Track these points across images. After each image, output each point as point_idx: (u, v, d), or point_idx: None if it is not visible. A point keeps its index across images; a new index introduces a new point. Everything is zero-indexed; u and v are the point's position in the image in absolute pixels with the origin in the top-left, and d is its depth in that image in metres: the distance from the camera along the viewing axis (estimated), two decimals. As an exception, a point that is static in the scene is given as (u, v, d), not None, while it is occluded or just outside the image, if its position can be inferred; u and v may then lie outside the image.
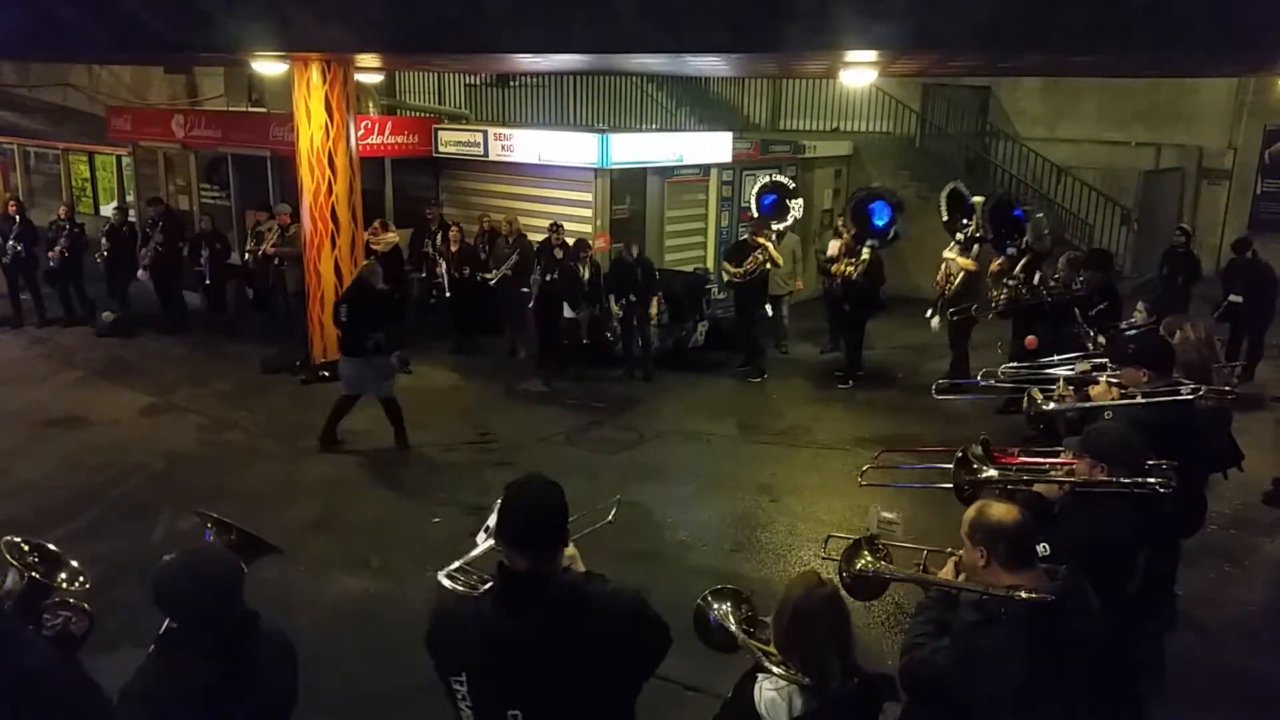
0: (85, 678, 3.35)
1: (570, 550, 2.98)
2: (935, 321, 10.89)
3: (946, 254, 10.75)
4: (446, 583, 3.29)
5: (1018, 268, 9.61)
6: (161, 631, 2.92)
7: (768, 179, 12.47)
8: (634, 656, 2.75)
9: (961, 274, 10.49)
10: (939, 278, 10.71)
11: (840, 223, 12.00)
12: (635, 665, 2.77)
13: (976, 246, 10.60)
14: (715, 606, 3.18)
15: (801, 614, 2.87)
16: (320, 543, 7.15)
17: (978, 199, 10.96)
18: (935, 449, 5.20)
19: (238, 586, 2.91)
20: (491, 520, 3.40)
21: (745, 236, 11.60)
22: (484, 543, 3.40)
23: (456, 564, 3.39)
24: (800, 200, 12.33)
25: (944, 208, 11.16)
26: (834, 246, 11.55)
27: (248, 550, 3.62)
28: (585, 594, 2.74)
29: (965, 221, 10.77)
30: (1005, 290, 9.38)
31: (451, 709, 2.72)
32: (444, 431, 9.63)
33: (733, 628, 3.11)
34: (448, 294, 12.10)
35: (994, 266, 10.08)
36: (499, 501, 2.77)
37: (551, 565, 2.70)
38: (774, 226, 11.71)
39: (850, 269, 10.84)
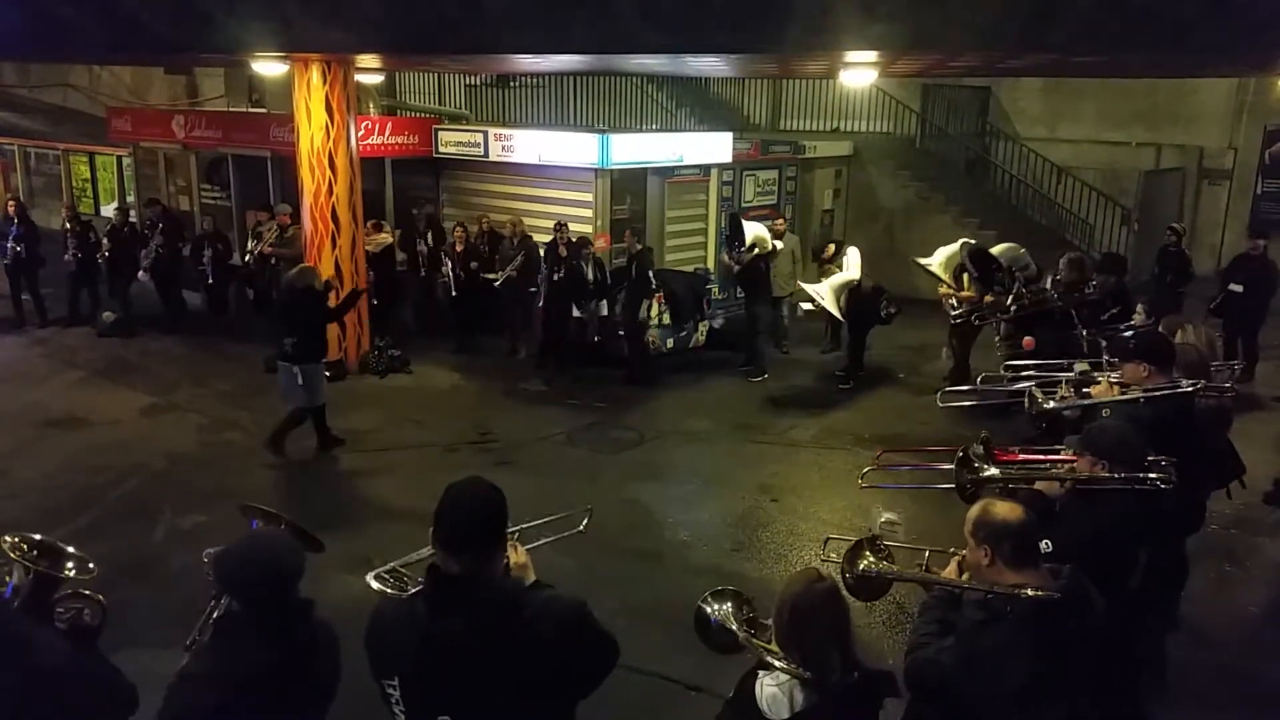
0: (105, 667, 3.35)
1: (521, 559, 2.97)
2: (945, 353, 10.83)
3: (944, 290, 10.60)
4: (375, 584, 3.25)
5: (1011, 302, 9.51)
6: (216, 616, 3.00)
7: (724, 218, 12.50)
8: (570, 667, 2.70)
9: (966, 303, 10.36)
10: (943, 290, 10.57)
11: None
12: (571, 676, 2.73)
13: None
14: (716, 607, 3.18)
15: (801, 609, 2.88)
16: (323, 542, 7.14)
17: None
18: (936, 449, 5.21)
19: (300, 570, 2.97)
20: None
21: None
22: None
23: (389, 565, 3.35)
24: (760, 233, 12.04)
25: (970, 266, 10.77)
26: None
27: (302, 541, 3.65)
28: (517, 599, 2.70)
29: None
30: (1010, 311, 9.36)
31: (386, 711, 2.72)
32: (444, 431, 9.64)
33: (734, 628, 3.11)
34: (454, 293, 12.09)
35: (989, 298, 10.04)
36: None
37: (484, 570, 2.65)
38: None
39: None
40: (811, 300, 11.26)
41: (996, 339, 9.63)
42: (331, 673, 3.06)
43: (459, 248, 12.04)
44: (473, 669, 2.58)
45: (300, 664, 2.87)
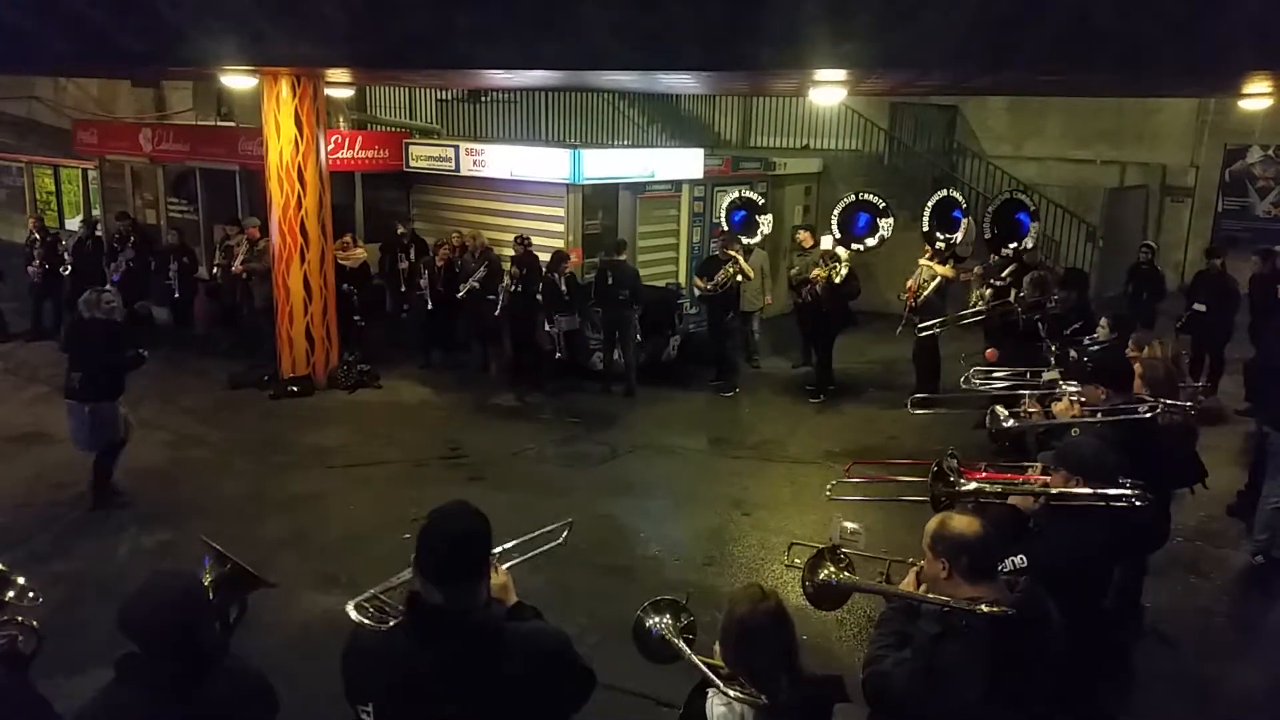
0: (33, 696, 3.30)
1: (502, 580, 2.93)
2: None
3: (923, 261, 10.80)
4: (354, 614, 3.12)
5: (1005, 271, 9.69)
6: (123, 656, 2.81)
7: (738, 194, 12.50)
8: (550, 699, 2.67)
9: (936, 281, 10.56)
10: (910, 284, 10.75)
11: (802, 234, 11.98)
12: (551, 708, 2.69)
13: (953, 260, 10.70)
14: (655, 620, 3.17)
15: (747, 631, 2.86)
16: (289, 560, 7.07)
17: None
18: (905, 461, 5.23)
19: (201, 618, 2.80)
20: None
21: (716, 251, 11.68)
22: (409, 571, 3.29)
23: (368, 593, 3.24)
24: (769, 216, 12.38)
25: (927, 216, 11.24)
26: (806, 239, 11.58)
27: (243, 584, 3.54)
28: (500, 631, 2.65)
29: (945, 236, 10.85)
30: (989, 289, 9.48)
31: None
32: (414, 447, 9.57)
33: (678, 643, 3.10)
34: (429, 308, 12.01)
35: (977, 269, 10.20)
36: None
37: (468, 599, 2.59)
38: (743, 241, 11.72)
39: (824, 274, 10.85)
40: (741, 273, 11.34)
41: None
42: None
43: (439, 263, 11.93)
44: (452, 700, 2.54)
45: (200, 715, 2.69)
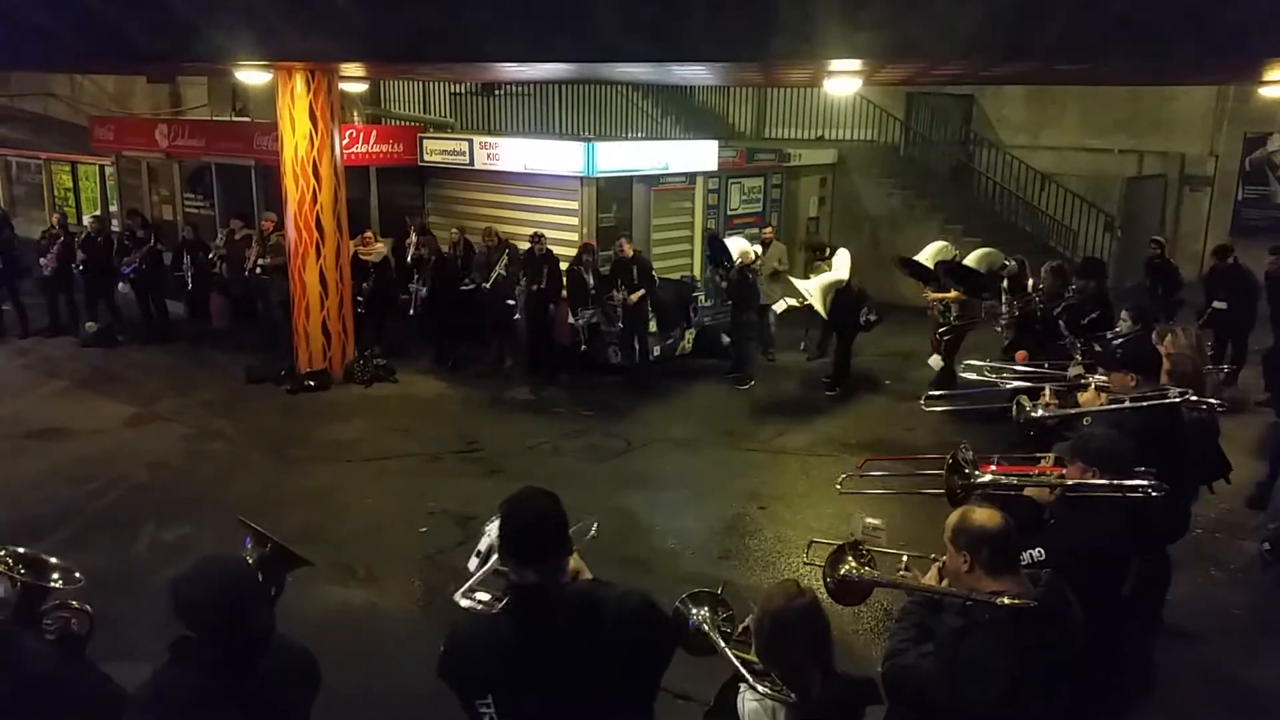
0: (96, 675, 3.36)
1: (574, 563, 2.98)
2: (935, 360, 10.87)
3: (930, 295, 10.71)
4: (464, 603, 3.24)
5: (1004, 309, 9.63)
6: (177, 638, 2.89)
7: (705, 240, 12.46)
8: (650, 657, 2.77)
9: (955, 304, 10.50)
10: (932, 311, 10.65)
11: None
12: (651, 665, 2.80)
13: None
14: (694, 612, 3.18)
15: (781, 626, 2.86)
16: (306, 553, 7.04)
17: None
18: (919, 455, 5.21)
19: (252, 599, 2.88)
20: (483, 543, 3.37)
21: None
22: (478, 565, 3.34)
23: (468, 584, 3.33)
24: (743, 246, 12.00)
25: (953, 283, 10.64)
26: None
27: (282, 563, 3.60)
28: (596, 601, 2.75)
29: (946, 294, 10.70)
30: (1007, 314, 9.46)
31: None
32: (430, 441, 9.60)
33: (714, 636, 3.11)
34: (419, 306, 11.99)
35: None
36: (494, 520, 2.76)
37: (558, 576, 2.72)
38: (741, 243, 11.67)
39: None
40: (797, 297, 11.25)
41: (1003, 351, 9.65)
42: (293, 704, 2.96)
43: (430, 256, 11.86)
44: (563, 675, 2.62)
45: (253, 694, 2.76)
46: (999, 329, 9.73)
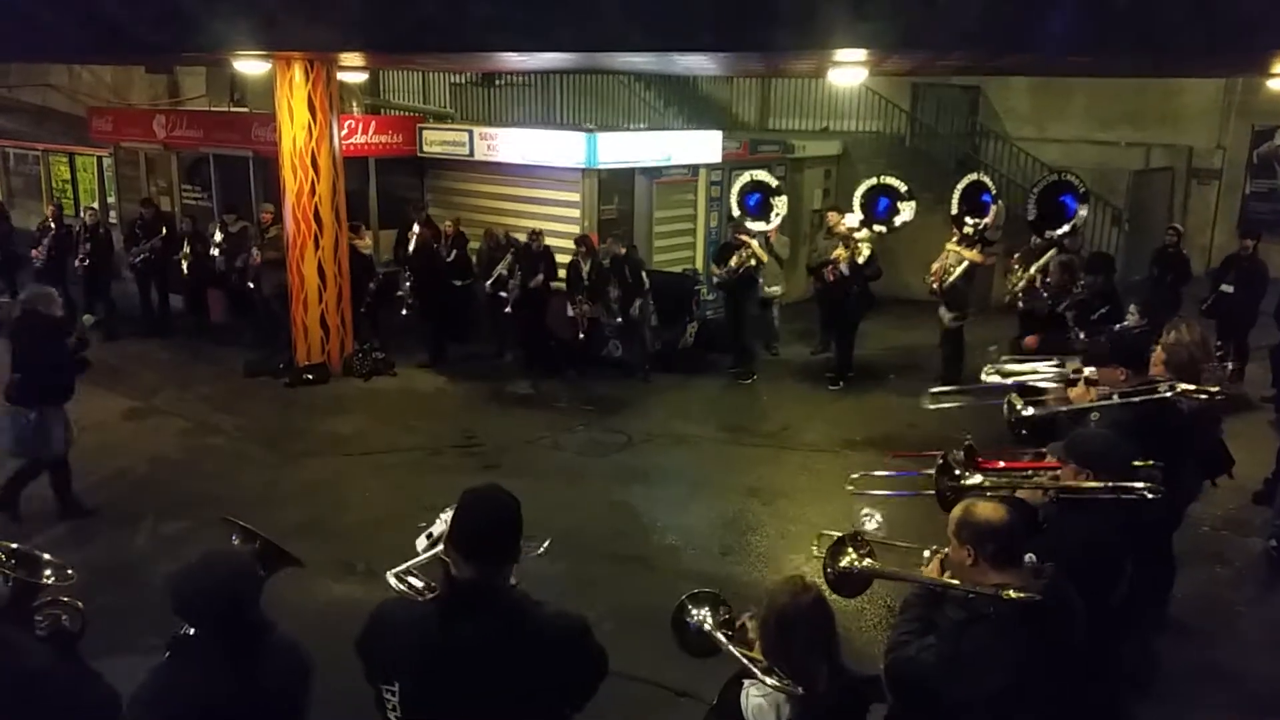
0: (88, 672, 3.39)
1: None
2: (944, 312, 10.69)
3: (951, 245, 10.60)
4: (395, 584, 3.19)
5: (1045, 258, 9.46)
6: (176, 635, 2.90)
7: (748, 178, 12.16)
8: (570, 681, 2.73)
9: (964, 266, 10.36)
10: (935, 269, 10.55)
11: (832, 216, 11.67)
12: (570, 691, 2.75)
13: (981, 245, 10.51)
14: (695, 613, 3.16)
15: (787, 621, 2.85)
16: (305, 548, 6.93)
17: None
18: (922, 454, 5.14)
19: (251, 595, 2.89)
20: (436, 527, 3.28)
21: (729, 238, 11.57)
22: (426, 547, 3.28)
23: (404, 565, 3.28)
24: (784, 198, 12.07)
25: (956, 199, 11.01)
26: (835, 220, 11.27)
27: (270, 560, 3.59)
28: (528, 613, 2.69)
29: (974, 221, 10.64)
30: (1030, 277, 9.27)
31: (380, 716, 2.67)
32: (429, 435, 9.55)
33: (717, 635, 3.09)
34: (410, 302, 11.89)
35: (1016, 255, 9.92)
36: (451, 509, 2.71)
37: (499, 578, 2.66)
38: (754, 227, 11.50)
39: (845, 255, 10.69)
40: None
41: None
42: (293, 698, 2.98)
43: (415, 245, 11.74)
44: (479, 677, 2.57)
45: (256, 689, 2.80)
46: (1021, 278, 9.55)
